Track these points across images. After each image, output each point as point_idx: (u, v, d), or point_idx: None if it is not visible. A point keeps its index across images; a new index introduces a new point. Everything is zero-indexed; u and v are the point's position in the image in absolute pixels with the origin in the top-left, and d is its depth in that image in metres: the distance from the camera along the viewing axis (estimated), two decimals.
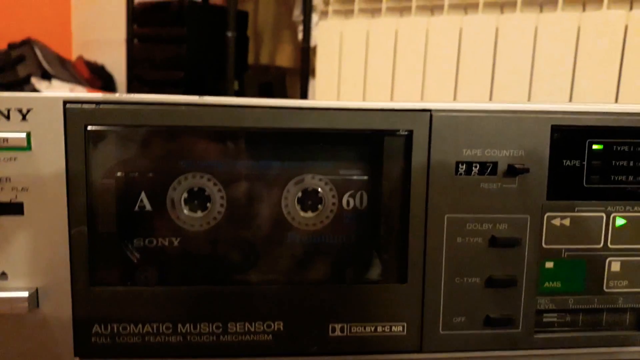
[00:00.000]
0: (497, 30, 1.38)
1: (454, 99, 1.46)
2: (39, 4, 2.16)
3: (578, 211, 0.35)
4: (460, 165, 0.34)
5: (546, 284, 0.35)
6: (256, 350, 0.34)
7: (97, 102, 0.32)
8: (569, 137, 0.34)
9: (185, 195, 0.34)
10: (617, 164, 0.35)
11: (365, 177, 0.35)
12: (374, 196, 0.35)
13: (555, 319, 0.37)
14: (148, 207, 0.34)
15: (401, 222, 0.34)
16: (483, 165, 0.34)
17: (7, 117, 0.31)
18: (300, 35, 1.75)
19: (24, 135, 0.31)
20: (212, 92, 1.63)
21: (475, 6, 1.42)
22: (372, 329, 0.35)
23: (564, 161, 0.35)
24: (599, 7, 1.25)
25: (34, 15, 2.10)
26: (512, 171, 0.34)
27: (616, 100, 1.23)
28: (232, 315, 0.34)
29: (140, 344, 0.33)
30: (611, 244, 0.35)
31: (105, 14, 2.17)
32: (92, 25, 2.25)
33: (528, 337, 0.35)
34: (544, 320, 0.36)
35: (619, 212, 0.35)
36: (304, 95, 1.76)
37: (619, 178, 0.35)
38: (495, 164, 0.34)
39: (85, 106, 0.32)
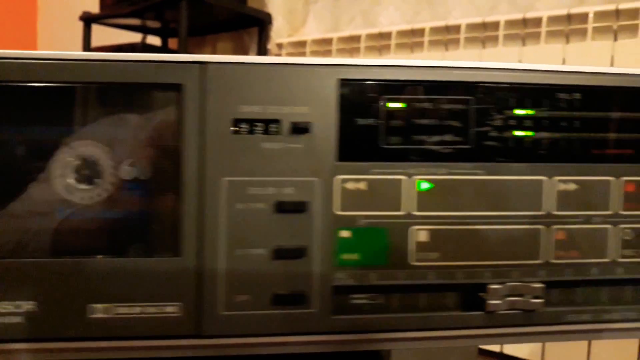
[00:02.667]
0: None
1: None
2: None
3: (374, 174, 0.31)
4: (238, 123, 0.30)
5: (343, 256, 0.32)
6: (2, 334, 0.30)
7: None
8: (360, 92, 0.31)
9: None
10: (417, 122, 0.32)
11: (142, 140, 0.32)
12: (149, 159, 0.32)
13: (361, 299, 0.33)
14: None
15: (174, 188, 0.30)
16: (264, 123, 0.31)
17: None
18: None
19: None
20: None
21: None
22: (141, 310, 0.30)
23: (356, 119, 0.31)
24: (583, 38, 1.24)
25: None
26: (297, 129, 0.31)
27: None
28: None
29: None
30: (416, 210, 0.32)
31: None
32: None
33: (325, 319, 0.32)
34: (347, 299, 0.32)
35: (422, 174, 0.32)
36: None
37: (420, 138, 0.32)
38: (277, 121, 0.31)
39: None
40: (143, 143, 0.32)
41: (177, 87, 0.30)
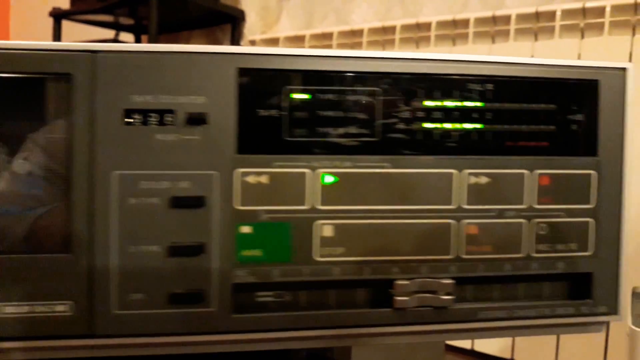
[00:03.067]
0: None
1: None
2: None
3: (277, 167, 0.30)
4: (130, 113, 0.29)
5: (244, 253, 0.30)
6: None
7: None
8: (261, 82, 0.30)
9: None
10: (321, 114, 0.31)
11: (36, 132, 0.30)
12: (43, 153, 0.30)
13: (266, 297, 0.32)
14: None
15: (65, 182, 0.29)
16: (158, 114, 0.29)
17: None
18: None
19: None
20: None
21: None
22: (30, 309, 0.29)
23: (258, 110, 0.30)
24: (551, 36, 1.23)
25: None
26: (192, 120, 0.29)
27: None
28: None
29: None
30: (320, 204, 0.31)
31: None
32: None
33: (225, 318, 0.30)
34: (251, 297, 0.31)
35: (326, 167, 0.31)
36: None
37: (325, 130, 0.31)
38: (171, 112, 0.29)
39: None
40: (36, 136, 0.30)
41: (66, 77, 0.29)
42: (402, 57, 0.31)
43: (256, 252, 0.31)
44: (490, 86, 0.32)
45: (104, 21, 1.83)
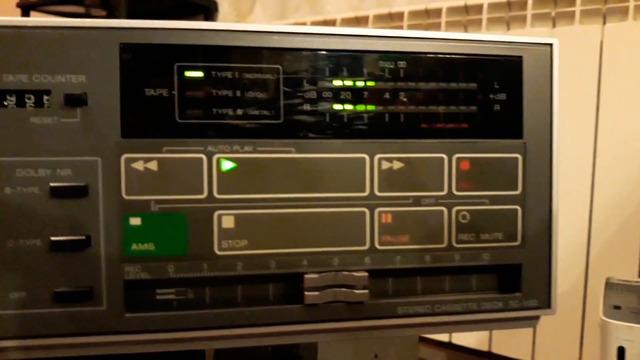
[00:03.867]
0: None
1: None
2: None
3: (168, 152, 0.28)
4: (1, 94, 0.27)
5: (134, 246, 0.28)
6: None
7: None
8: (148, 59, 0.28)
9: None
10: (217, 93, 0.28)
11: None
12: None
13: (167, 294, 0.29)
14: None
15: None
16: (33, 95, 0.27)
17: None
18: None
19: None
20: None
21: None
22: None
23: (145, 90, 0.28)
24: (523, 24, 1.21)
25: None
26: (71, 101, 0.27)
27: None
28: None
29: None
30: (218, 193, 0.28)
31: None
32: None
33: (116, 317, 0.28)
34: (151, 295, 0.29)
35: (223, 152, 0.28)
36: None
37: (221, 111, 0.28)
38: (47, 92, 0.27)
39: None
40: None
41: None
42: (306, 31, 0.29)
43: (148, 246, 0.28)
44: (403, 64, 0.30)
45: (74, 12, 1.79)
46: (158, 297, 0.29)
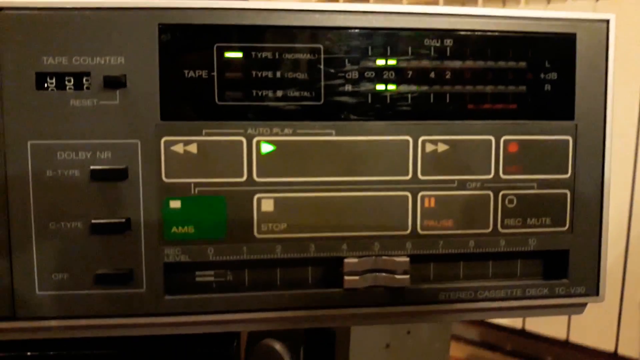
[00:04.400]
0: None
1: None
2: None
3: (208, 135, 0.27)
4: (43, 77, 0.26)
5: (174, 229, 0.28)
6: None
7: None
8: (187, 40, 0.27)
9: None
10: (257, 75, 0.28)
11: None
12: None
13: (206, 277, 0.29)
14: None
15: None
16: (73, 77, 0.26)
17: None
18: None
19: None
20: None
21: None
22: None
23: (184, 71, 0.27)
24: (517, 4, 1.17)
25: None
26: (110, 83, 0.26)
27: None
28: None
29: None
30: (258, 176, 0.28)
31: None
32: None
33: (156, 299, 0.28)
34: (190, 278, 0.29)
35: (263, 135, 0.28)
36: None
37: (261, 93, 0.28)
38: (86, 74, 0.26)
39: None
40: None
41: None
42: (348, 9, 0.28)
43: (187, 229, 0.28)
44: (449, 42, 0.28)
45: None
46: (197, 279, 0.29)
